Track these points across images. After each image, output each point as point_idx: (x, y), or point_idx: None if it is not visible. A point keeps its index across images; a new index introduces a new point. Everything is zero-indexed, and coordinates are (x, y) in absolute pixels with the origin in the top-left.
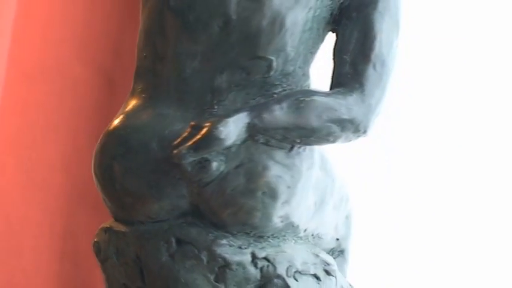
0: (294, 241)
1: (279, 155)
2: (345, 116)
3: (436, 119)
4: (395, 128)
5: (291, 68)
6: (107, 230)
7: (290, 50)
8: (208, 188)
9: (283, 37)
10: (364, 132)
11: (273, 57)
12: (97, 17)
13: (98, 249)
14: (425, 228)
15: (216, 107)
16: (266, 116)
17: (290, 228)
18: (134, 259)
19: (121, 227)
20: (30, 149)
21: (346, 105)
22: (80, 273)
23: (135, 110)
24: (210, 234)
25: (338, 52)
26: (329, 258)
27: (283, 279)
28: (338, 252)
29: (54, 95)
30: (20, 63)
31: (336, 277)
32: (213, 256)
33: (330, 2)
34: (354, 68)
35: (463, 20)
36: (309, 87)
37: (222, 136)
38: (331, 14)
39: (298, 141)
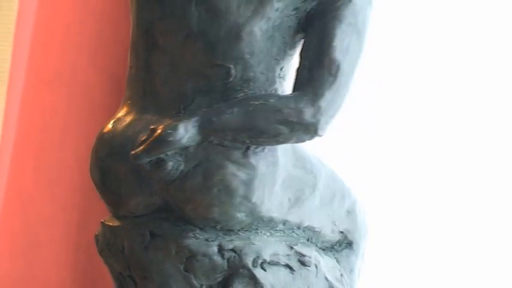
0: (269, 234)
1: (235, 155)
2: (293, 118)
3: (434, 118)
4: (394, 128)
5: (251, 74)
6: (102, 224)
7: (248, 57)
8: (172, 186)
9: (240, 46)
10: (316, 132)
11: (231, 65)
12: (109, 28)
13: (96, 241)
14: (422, 229)
15: (182, 112)
16: (215, 120)
17: (261, 222)
18: (122, 250)
19: (111, 222)
20: (47, 150)
21: (296, 107)
22: (93, 262)
23: (121, 115)
24: (178, 228)
25: (300, 58)
26: (305, 250)
27: (249, 270)
28: (345, 244)
29: (70, 99)
30: (39, 71)
31: (316, 268)
32: (180, 248)
33: (293, 12)
34: (309, 73)
35: (457, 20)
36: (276, 92)
37: (170, 138)
38: (299, 23)
39: (248, 142)
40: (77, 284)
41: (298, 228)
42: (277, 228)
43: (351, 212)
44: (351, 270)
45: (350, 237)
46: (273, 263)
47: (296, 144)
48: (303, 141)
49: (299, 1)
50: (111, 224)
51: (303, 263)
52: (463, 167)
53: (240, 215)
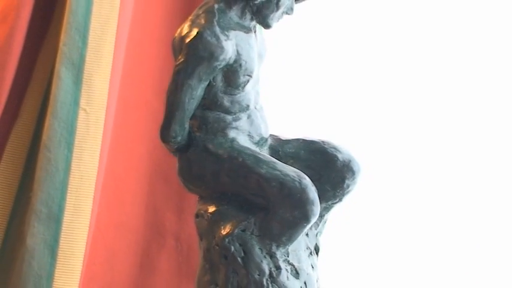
0: (211, 198)
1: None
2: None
3: (432, 119)
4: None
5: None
6: None
7: None
8: None
9: None
10: (164, 144)
11: None
12: (168, 68)
13: None
14: (421, 229)
15: None
16: None
17: (204, 192)
18: None
19: None
20: (124, 150)
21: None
22: (156, 215)
23: None
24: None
25: None
26: (204, 208)
27: (195, 218)
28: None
29: (139, 119)
30: (122, 100)
31: (208, 217)
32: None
33: None
34: None
35: (456, 20)
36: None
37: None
38: None
39: None
40: (147, 228)
41: (228, 195)
42: (214, 196)
43: (258, 184)
44: (268, 223)
45: (267, 201)
46: (199, 215)
47: (208, 149)
48: (167, 148)
49: None
50: None
51: (201, 216)
52: (462, 168)
53: (190, 188)
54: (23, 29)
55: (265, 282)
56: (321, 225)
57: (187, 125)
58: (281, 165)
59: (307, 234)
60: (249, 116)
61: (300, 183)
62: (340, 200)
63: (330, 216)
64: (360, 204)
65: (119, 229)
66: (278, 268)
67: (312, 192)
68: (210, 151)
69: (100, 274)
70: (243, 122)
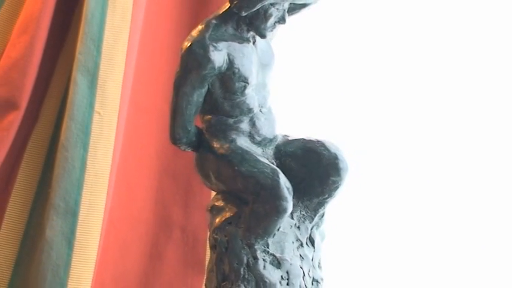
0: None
1: None
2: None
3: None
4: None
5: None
6: None
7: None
8: None
9: None
10: (172, 143)
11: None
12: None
13: None
14: (420, 229)
15: None
16: None
17: (214, 188)
18: None
19: None
20: (139, 150)
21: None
22: (165, 211)
23: None
24: None
25: None
26: (212, 202)
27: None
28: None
29: (150, 121)
30: (133, 104)
31: (211, 211)
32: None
33: None
34: None
35: (456, 20)
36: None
37: None
38: None
39: None
40: (156, 221)
41: (225, 191)
42: (220, 191)
43: (241, 181)
44: (248, 216)
45: (248, 196)
46: (207, 209)
47: (212, 149)
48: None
49: None
50: None
51: (207, 209)
52: (461, 167)
53: (205, 183)
54: (43, 39)
55: (242, 271)
56: (316, 218)
57: (191, 128)
58: (262, 164)
59: (298, 227)
60: (251, 119)
61: (272, 179)
62: (330, 195)
63: (327, 210)
64: (362, 203)
65: (131, 222)
66: (255, 258)
67: (283, 189)
68: (212, 151)
69: (113, 263)
70: (244, 124)
